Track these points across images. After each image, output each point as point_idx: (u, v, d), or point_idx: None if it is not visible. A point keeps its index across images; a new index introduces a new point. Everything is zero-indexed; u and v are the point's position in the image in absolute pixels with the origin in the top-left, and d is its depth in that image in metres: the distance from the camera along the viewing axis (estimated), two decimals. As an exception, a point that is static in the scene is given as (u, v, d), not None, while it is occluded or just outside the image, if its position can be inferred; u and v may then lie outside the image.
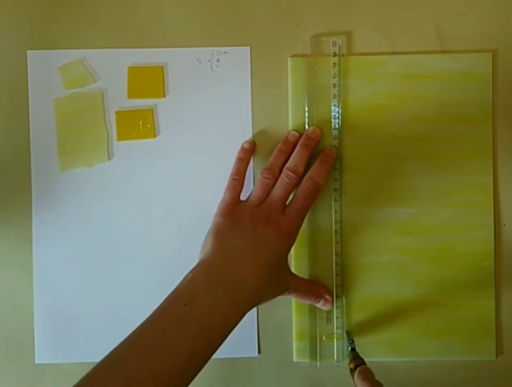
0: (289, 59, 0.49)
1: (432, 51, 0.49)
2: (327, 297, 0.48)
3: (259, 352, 0.50)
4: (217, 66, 0.50)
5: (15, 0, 0.50)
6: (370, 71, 0.49)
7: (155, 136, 0.50)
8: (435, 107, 0.49)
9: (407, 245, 0.49)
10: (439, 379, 0.50)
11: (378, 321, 0.49)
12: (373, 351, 0.49)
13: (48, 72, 0.50)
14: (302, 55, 0.49)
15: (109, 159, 0.50)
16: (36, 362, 0.50)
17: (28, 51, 0.50)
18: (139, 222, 0.50)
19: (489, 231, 0.49)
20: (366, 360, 0.45)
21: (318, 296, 0.48)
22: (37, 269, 0.50)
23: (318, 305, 0.49)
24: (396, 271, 0.49)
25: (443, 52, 0.49)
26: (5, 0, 0.50)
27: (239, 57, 0.50)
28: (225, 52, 0.50)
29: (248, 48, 0.50)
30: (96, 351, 0.49)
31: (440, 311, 0.49)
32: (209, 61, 0.50)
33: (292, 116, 0.49)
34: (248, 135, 0.50)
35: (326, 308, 0.48)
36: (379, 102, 0.49)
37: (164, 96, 0.50)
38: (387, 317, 0.49)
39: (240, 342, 0.48)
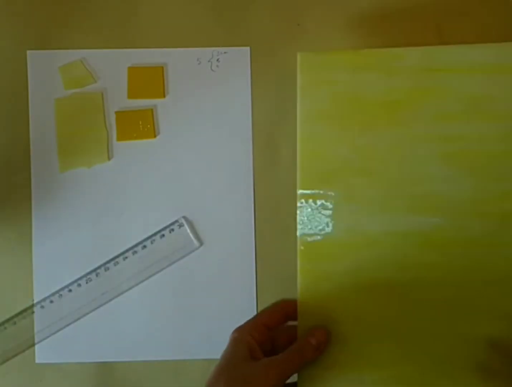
0: (298, 54, 0.43)
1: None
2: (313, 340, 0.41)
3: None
4: (217, 66, 0.50)
5: (15, 0, 0.50)
6: (385, 65, 0.43)
7: (155, 136, 0.50)
8: (460, 103, 0.42)
9: (434, 262, 0.41)
10: None
11: (395, 354, 0.41)
12: None
13: (48, 72, 0.50)
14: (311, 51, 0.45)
15: (109, 159, 0.50)
16: (37, 361, 0.50)
17: (28, 51, 0.50)
18: (139, 222, 0.50)
19: None
20: None
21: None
22: (37, 269, 0.50)
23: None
24: (422, 293, 0.41)
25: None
26: (5, 0, 0.50)
27: (239, 57, 0.50)
28: (225, 52, 0.50)
29: (248, 48, 0.50)
30: (96, 351, 0.50)
31: (476, 347, 0.40)
32: (209, 61, 0.50)
33: (301, 114, 0.43)
34: (248, 135, 0.50)
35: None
36: (397, 98, 0.43)
37: (164, 96, 0.50)
38: (408, 351, 0.41)
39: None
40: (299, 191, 0.43)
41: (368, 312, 0.42)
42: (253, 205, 0.49)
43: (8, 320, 0.49)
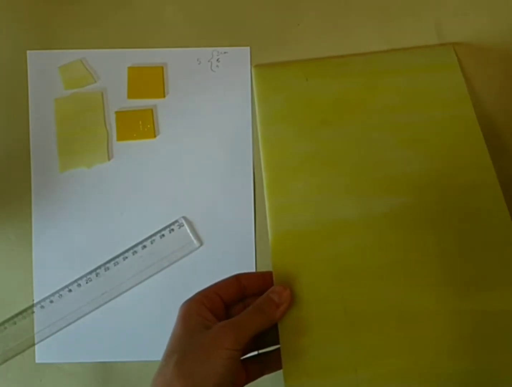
0: (253, 68, 0.49)
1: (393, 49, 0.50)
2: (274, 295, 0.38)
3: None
4: (217, 66, 0.50)
5: (15, 0, 0.50)
6: (334, 71, 0.48)
7: (155, 136, 0.50)
8: (406, 96, 0.47)
9: (409, 240, 0.42)
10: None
11: (385, 342, 0.39)
12: (384, 384, 0.38)
13: (48, 72, 0.50)
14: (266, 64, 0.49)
15: (109, 159, 0.50)
16: (37, 361, 0.50)
17: (28, 51, 0.50)
18: (139, 222, 0.50)
19: (504, 213, 0.42)
20: None
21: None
22: (37, 269, 0.50)
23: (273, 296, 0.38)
24: (399, 273, 0.41)
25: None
26: (5, 0, 0.50)
27: (239, 57, 0.50)
28: (225, 52, 0.50)
29: (248, 48, 0.50)
30: (97, 351, 0.49)
31: (466, 321, 0.39)
32: (209, 61, 0.50)
33: (261, 117, 0.47)
34: (248, 135, 0.50)
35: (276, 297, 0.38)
36: (348, 97, 0.47)
37: (164, 96, 0.50)
38: (396, 337, 0.39)
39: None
40: (267, 189, 0.45)
41: (351, 300, 0.40)
42: (253, 205, 0.49)
43: (8, 320, 0.49)
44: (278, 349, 0.38)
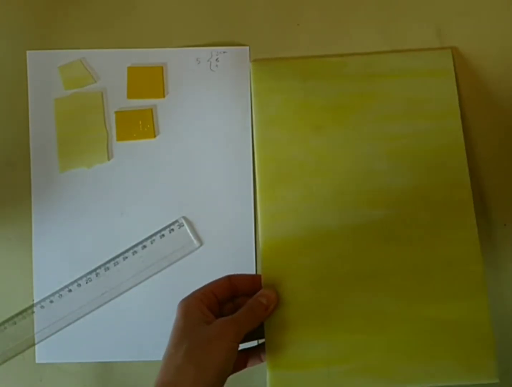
0: (251, 63, 0.49)
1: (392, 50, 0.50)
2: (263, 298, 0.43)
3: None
4: (216, 66, 0.50)
5: (14, 0, 0.50)
6: (332, 72, 0.48)
7: (154, 136, 0.50)
8: (400, 105, 0.47)
9: (384, 251, 0.44)
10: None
11: (355, 344, 0.43)
12: (354, 378, 0.43)
13: (48, 72, 0.50)
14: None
15: (109, 159, 0.50)
16: (37, 361, 0.50)
17: (28, 51, 0.50)
18: (139, 222, 0.50)
19: (473, 230, 0.45)
20: None
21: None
22: (37, 269, 0.50)
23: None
24: (374, 281, 0.44)
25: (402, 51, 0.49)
26: (4, 0, 0.50)
27: (238, 57, 0.50)
28: (224, 52, 0.50)
29: (247, 47, 0.50)
30: (96, 351, 0.49)
31: (427, 328, 0.43)
32: (208, 61, 0.50)
33: (257, 119, 0.47)
34: (248, 135, 0.50)
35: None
36: (344, 102, 0.47)
37: (164, 96, 0.50)
38: (368, 337, 0.43)
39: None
40: (260, 194, 0.46)
41: (330, 304, 0.44)
42: (253, 205, 0.49)
43: (8, 320, 0.49)
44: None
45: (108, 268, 0.50)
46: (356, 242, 0.45)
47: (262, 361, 0.44)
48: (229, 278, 0.42)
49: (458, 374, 0.42)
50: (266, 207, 0.46)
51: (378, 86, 0.48)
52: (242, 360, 0.43)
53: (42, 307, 0.49)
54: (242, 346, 0.41)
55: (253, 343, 0.44)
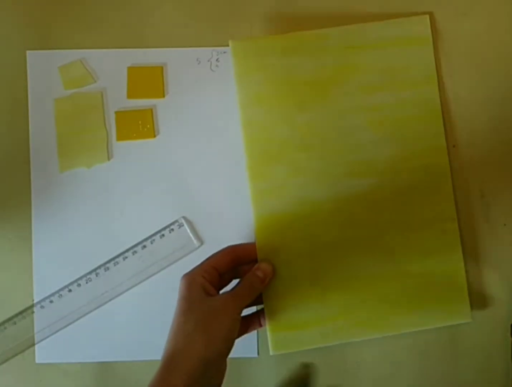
0: (230, 41, 0.48)
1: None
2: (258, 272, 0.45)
3: (258, 353, 0.50)
4: (217, 66, 0.50)
5: (14, 0, 0.50)
6: (312, 46, 0.48)
7: (154, 136, 0.50)
8: (380, 75, 0.48)
9: (369, 217, 0.48)
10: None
11: (346, 303, 0.47)
12: (347, 331, 0.47)
13: (47, 72, 0.50)
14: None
15: (109, 159, 0.50)
16: (37, 361, 0.50)
17: (28, 51, 0.50)
18: (139, 221, 0.50)
19: (449, 192, 0.48)
20: (340, 342, 0.47)
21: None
22: (37, 269, 0.50)
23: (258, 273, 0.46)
24: (361, 245, 0.47)
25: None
26: (4, 0, 0.50)
27: (238, 57, 0.50)
28: (224, 52, 0.50)
29: (248, 48, 0.50)
30: (96, 351, 0.50)
31: (410, 282, 0.47)
32: (208, 61, 0.50)
33: (241, 100, 0.48)
34: (248, 135, 0.50)
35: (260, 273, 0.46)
36: (325, 76, 0.48)
37: (164, 96, 0.50)
38: (358, 295, 0.47)
39: (240, 343, 0.48)
40: (249, 173, 0.47)
41: (322, 270, 0.47)
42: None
43: (8, 320, 0.49)
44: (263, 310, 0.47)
45: (108, 268, 0.50)
46: (342, 211, 0.48)
47: (261, 326, 0.47)
48: (233, 249, 0.45)
49: (438, 318, 0.48)
50: (256, 185, 0.47)
51: (358, 57, 0.48)
52: (244, 326, 0.46)
53: (42, 307, 0.49)
54: (242, 313, 0.43)
55: (252, 309, 0.48)
